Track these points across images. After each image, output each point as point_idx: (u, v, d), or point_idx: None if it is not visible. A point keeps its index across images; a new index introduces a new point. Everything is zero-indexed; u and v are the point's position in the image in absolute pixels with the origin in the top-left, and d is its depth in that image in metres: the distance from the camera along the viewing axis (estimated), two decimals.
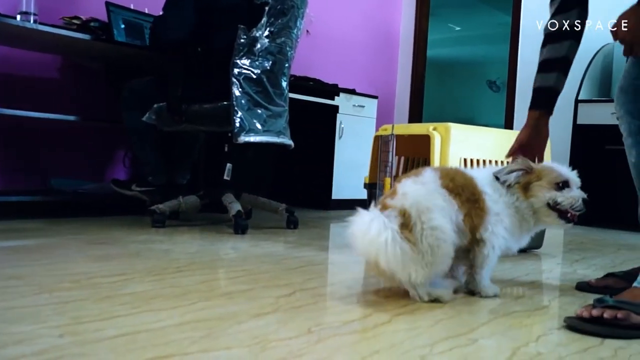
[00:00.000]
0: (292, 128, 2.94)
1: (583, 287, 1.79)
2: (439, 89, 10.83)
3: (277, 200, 2.94)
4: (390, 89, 5.46)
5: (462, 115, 10.51)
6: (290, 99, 3.59)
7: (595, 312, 1.29)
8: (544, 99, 1.75)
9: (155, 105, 2.72)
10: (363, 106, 4.21)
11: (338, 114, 4.01)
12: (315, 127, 4.13)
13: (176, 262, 1.87)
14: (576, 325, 1.30)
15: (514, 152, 1.76)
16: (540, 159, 1.75)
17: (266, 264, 1.93)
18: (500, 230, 1.57)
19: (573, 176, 1.62)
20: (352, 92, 4.15)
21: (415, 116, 5.46)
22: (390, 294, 1.60)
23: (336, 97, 4.00)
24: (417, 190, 1.50)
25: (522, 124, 1.78)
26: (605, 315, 1.28)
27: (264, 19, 2.61)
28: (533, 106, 1.77)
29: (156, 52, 2.82)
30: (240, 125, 2.55)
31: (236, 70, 2.57)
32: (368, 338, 1.18)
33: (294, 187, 4.24)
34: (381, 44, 5.31)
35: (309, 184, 4.16)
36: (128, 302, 1.34)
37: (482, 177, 1.61)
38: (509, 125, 4.79)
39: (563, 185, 1.59)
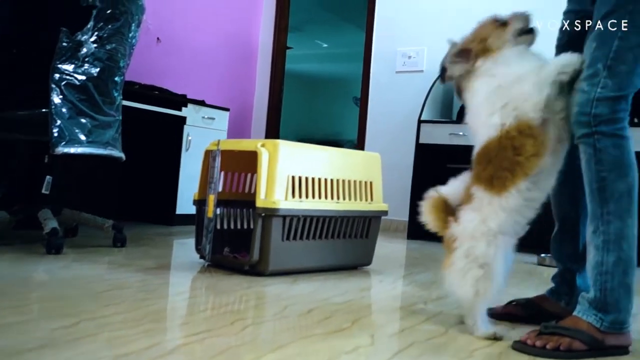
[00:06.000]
0: (135, 139, 2.76)
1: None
2: (306, 104, 10.96)
3: (120, 216, 2.75)
4: (247, 102, 5.39)
5: (329, 131, 10.66)
6: (132, 108, 3.42)
7: (538, 343, 1.41)
8: None
9: None
10: (213, 118, 4.11)
11: (185, 126, 3.87)
12: (160, 138, 3.95)
13: None
14: (520, 348, 1.43)
15: None
16: None
17: (67, 289, 1.76)
18: None
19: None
20: (201, 103, 4.03)
21: (272, 130, 5.43)
22: (199, 318, 1.51)
23: (184, 108, 3.86)
24: None
25: (375, 140, 1.73)
26: (548, 346, 1.40)
27: (91, 23, 2.44)
28: None
29: None
30: (59, 134, 2.35)
31: (57, 76, 2.37)
32: None
33: (138, 201, 4.03)
34: (239, 57, 5.24)
35: (153, 198, 3.97)
36: None
37: None
38: (361, 138, 4.84)
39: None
